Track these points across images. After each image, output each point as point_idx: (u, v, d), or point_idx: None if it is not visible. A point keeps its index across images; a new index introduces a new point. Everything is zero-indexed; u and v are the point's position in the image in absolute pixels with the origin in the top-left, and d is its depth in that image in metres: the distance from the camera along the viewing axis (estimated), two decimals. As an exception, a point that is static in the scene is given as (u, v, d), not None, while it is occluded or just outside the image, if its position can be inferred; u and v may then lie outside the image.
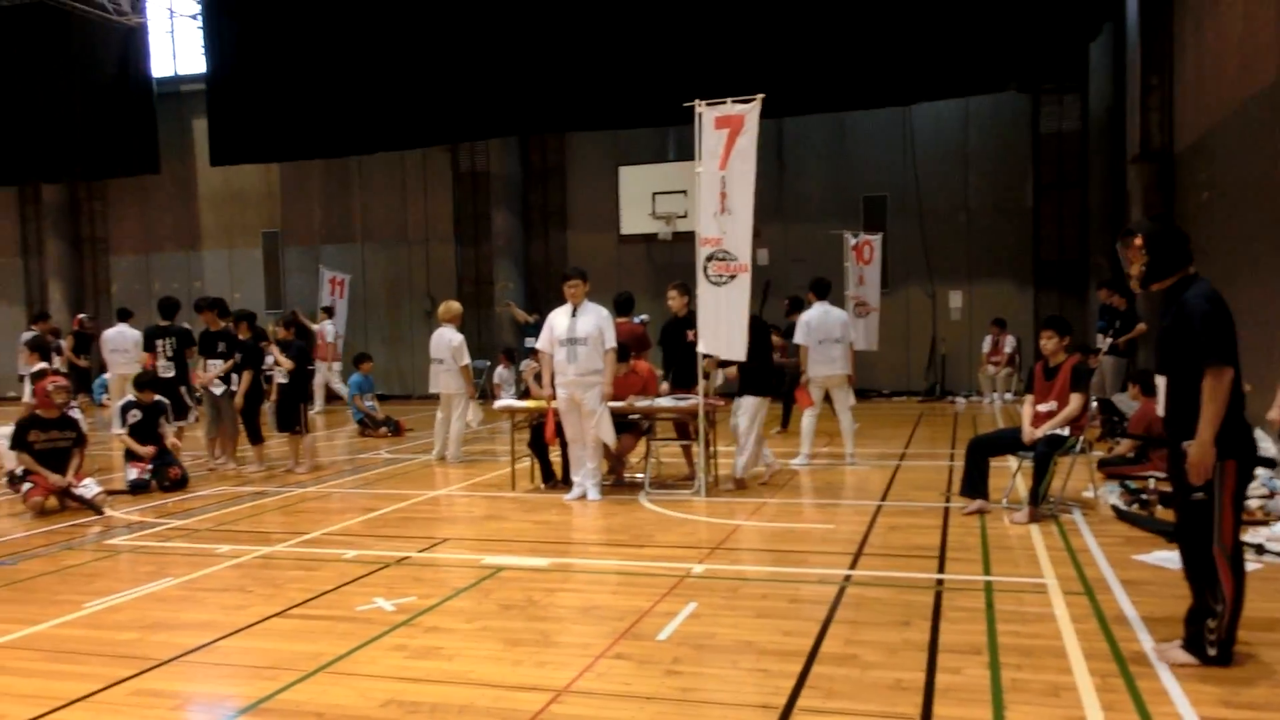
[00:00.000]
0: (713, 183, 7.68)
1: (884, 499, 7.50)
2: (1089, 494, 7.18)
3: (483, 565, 5.79)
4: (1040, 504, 6.42)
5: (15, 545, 6.84)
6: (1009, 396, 15.76)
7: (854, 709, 3.42)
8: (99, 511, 7.78)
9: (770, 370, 8.48)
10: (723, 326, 7.66)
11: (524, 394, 16.70)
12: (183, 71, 20.80)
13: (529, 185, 19.71)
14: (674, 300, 8.82)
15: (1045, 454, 6.41)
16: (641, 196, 17.71)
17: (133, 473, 8.81)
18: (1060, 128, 16.86)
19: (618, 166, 17.98)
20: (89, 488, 7.96)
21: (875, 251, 16.07)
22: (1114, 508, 6.69)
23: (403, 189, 20.27)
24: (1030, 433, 6.63)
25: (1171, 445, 3.81)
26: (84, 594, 5.37)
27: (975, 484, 6.76)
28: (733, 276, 7.66)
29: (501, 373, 17.45)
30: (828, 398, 9.45)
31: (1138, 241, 3.86)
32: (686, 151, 17.94)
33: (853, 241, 15.87)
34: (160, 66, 20.19)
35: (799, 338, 9.28)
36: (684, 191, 17.51)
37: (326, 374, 16.90)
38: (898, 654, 3.95)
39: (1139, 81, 13.10)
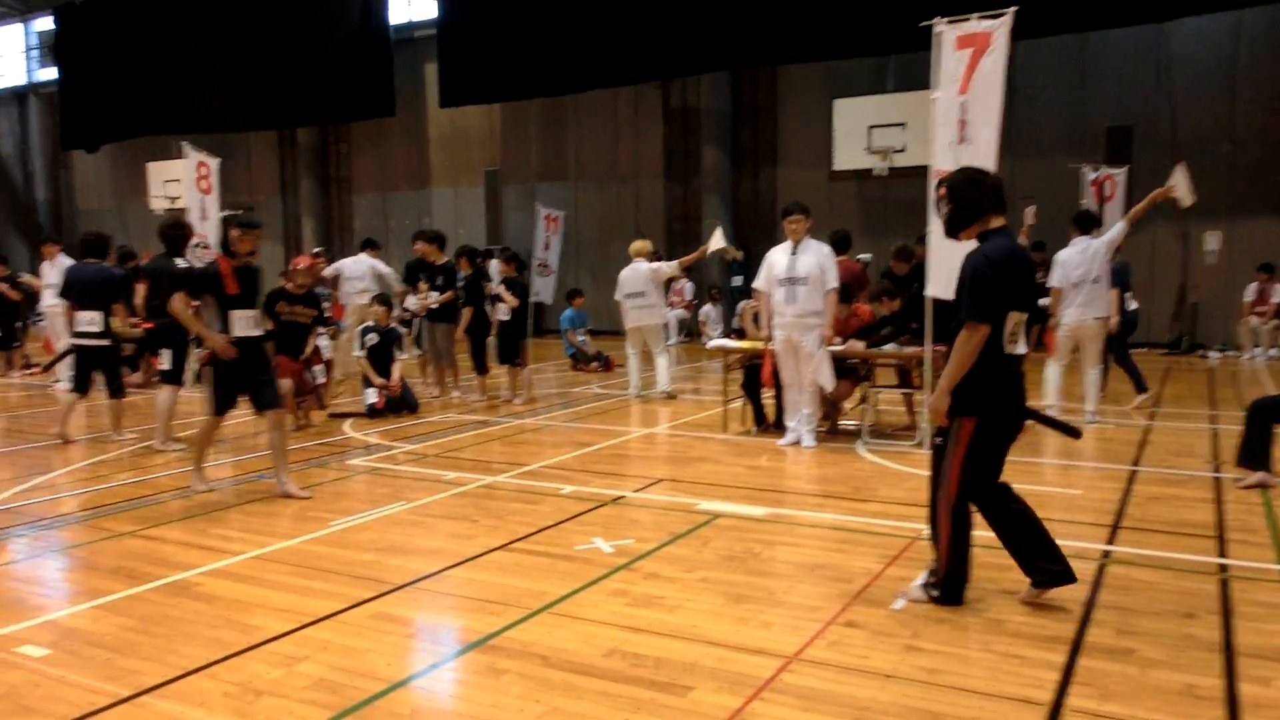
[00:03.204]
0: (950, 110, 7.01)
1: (1137, 464, 6.74)
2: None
3: (698, 510, 5.66)
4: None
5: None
6: (1274, 352, 13.98)
7: (1137, 715, 2.97)
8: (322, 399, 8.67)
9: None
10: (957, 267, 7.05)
11: (734, 333, 16.60)
12: (416, 19, 21.73)
13: (739, 121, 19.23)
14: (898, 267, 8.41)
15: (1351, 424, 5.50)
16: (857, 130, 16.82)
17: (370, 396, 9.33)
18: (1355, 42, 14.52)
19: (832, 99, 17.16)
20: (317, 375, 8.75)
21: (1119, 187, 14.49)
22: None
23: (614, 127, 20.33)
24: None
25: None
26: (330, 512, 5.69)
27: (1256, 453, 5.90)
28: (971, 214, 7.02)
29: (708, 311, 17.34)
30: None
31: (941, 191, 3.89)
32: (907, 81, 16.89)
33: (1092, 176, 14.40)
34: (396, 14, 21.19)
35: (1053, 279, 8.34)
36: (903, 124, 16.49)
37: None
38: (1183, 652, 3.43)
39: None
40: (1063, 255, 8.35)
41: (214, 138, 17.59)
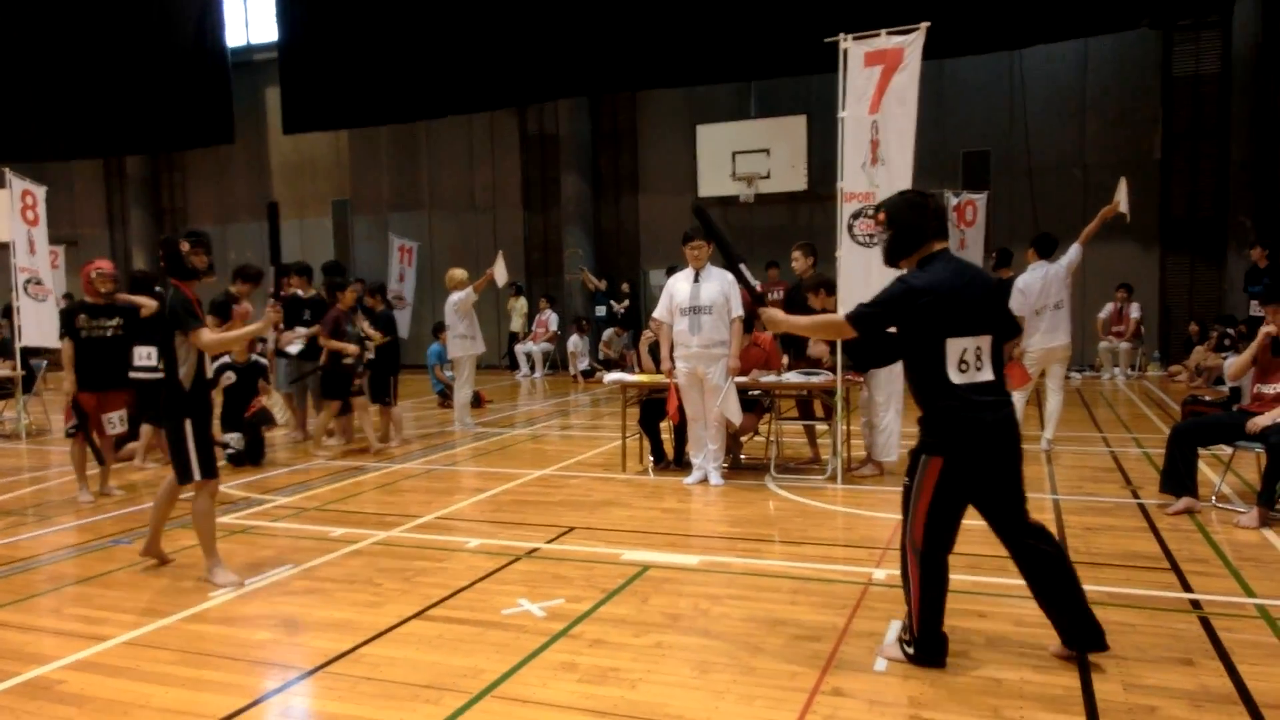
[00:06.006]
0: (861, 129, 6.87)
1: (1054, 492, 6.71)
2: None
3: (624, 561, 5.16)
4: (1276, 504, 5.55)
5: (128, 521, 6.37)
6: (1132, 372, 14.66)
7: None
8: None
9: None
10: (871, 292, 6.87)
11: (601, 364, 16.16)
12: (255, 41, 20.41)
13: (599, 148, 18.98)
14: (798, 262, 8.07)
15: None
16: (720, 157, 16.88)
17: (232, 441, 8.35)
18: (1196, 70, 15.06)
19: (694, 125, 17.15)
20: (113, 424, 7.21)
21: (979, 212, 15.05)
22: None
23: (470, 155, 19.66)
24: (1258, 420, 5.65)
25: None
26: (208, 582, 4.86)
27: (1181, 479, 5.88)
28: (883, 237, 6.86)
29: (576, 342, 16.85)
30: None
31: (881, 217, 3.74)
32: (768, 107, 17.08)
33: (954, 201, 14.88)
34: (234, 36, 19.81)
35: (1015, 306, 7.90)
36: (766, 150, 16.63)
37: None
38: (1204, 708, 3.19)
39: (1295, 14, 11.81)
40: (1023, 281, 8.06)
41: (31, 166, 15.75)
